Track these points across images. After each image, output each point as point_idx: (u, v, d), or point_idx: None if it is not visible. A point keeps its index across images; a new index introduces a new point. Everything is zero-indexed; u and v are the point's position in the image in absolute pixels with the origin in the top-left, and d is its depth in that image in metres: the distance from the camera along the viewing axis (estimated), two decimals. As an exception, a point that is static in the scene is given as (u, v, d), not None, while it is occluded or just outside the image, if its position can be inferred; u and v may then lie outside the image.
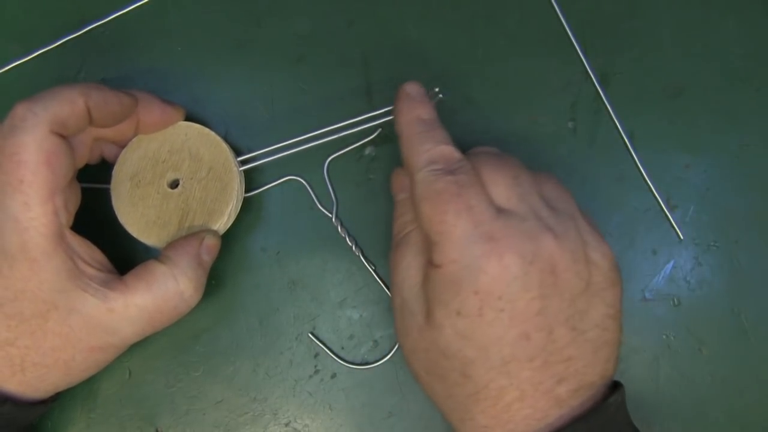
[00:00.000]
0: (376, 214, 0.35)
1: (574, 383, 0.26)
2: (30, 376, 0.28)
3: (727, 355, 0.34)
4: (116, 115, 0.29)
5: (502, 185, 0.26)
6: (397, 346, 0.34)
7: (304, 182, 0.35)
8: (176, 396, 0.34)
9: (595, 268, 0.26)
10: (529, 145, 0.35)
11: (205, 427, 0.33)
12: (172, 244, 0.30)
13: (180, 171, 0.32)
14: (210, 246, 0.31)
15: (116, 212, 0.32)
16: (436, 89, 0.31)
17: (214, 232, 0.31)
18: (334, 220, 0.35)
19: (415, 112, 0.28)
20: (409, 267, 0.28)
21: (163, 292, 0.28)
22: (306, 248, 0.35)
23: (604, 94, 0.36)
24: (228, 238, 0.34)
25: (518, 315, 0.25)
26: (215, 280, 0.35)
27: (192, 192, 0.32)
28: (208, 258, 0.31)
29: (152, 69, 0.35)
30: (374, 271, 0.34)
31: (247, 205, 0.34)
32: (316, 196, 0.35)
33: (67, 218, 0.27)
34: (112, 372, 0.34)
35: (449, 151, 0.27)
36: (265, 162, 0.33)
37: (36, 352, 0.27)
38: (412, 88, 0.29)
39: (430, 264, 0.26)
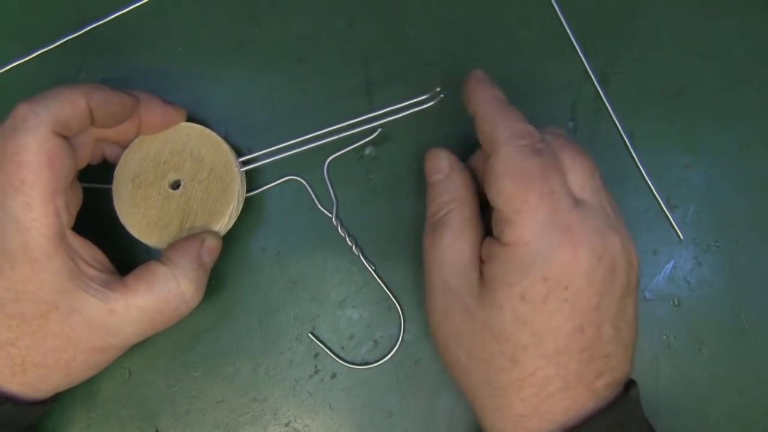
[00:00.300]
0: (376, 214, 0.35)
1: (610, 378, 0.26)
2: (31, 377, 0.28)
3: (727, 355, 0.34)
4: (118, 115, 0.29)
5: (580, 175, 0.26)
6: (397, 346, 0.34)
7: (304, 182, 0.35)
8: (176, 396, 0.34)
9: (633, 270, 0.27)
10: (529, 145, 0.35)
11: (205, 427, 0.33)
12: (173, 246, 0.30)
13: (181, 172, 0.32)
14: (211, 247, 0.31)
15: (118, 213, 0.32)
16: (437, 89, 0.31)
17: (215, 234, 0.31)
18: (334, 220, 0.35)
19: (490, 91, 0.28)
20: (449, 248, 0.28)
21: (165, 293, 0.28)
22: (306, 248, 0.35)
23: (604, 94, 0.36)
24: (228, 238, 0.34)
25: (579, 307, 0.25)
26: (215, 280, 0.35)
27: (193, 193, 0.32)
28: (209, 259, 0.31)
29: (152, 69, 0.35)
30: (374, 271, 0.34)
31: (247, 205, 0.34)
32: (316, 196, 0.35)
33: (68, 219, 0.27)
34: (112, 372, 0.34)
35: (532, 129, 0.27)
36: (266, 163, 0.33)
37: (37, 352, 0.27)
38: (481, 73, 0.29)
39: (495, 242, 0.26)
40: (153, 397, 0.34)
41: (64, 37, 0.37)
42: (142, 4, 0.37)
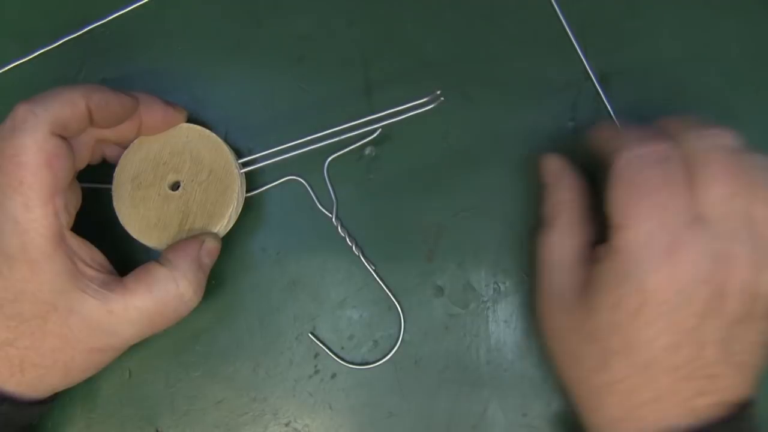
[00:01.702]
0: (376, 214, 0.35)
1: (715, 398, 0.26)
2: (29, 377, 0.27)
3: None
4: (118, 116, 0.29)
5: (715, 195, 0.25)
6: (397, 346, 0.34)
7: (304, 182, 0.35)
8: (176, 396, 0.34)
9: (760, 299, 0.26)
10: (529, 145, 0.35)
11: (205, 427, 0.33)
12: (172, 247, 0.30)
13: (181, 173, 0.32)
14: (210, 249, 0.31)
15: (117, 214, 0.32)
16: (437, 92, 0.31)
17: (215, 235, 0.31)
18: (334, 220, 0.35)
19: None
20: (555, 247, 0.29)
21: (164, 294, 0.28)
22: (306, 248, 0.35)
23: (604, 94, 0.36)
24: (228, 239, 0.34)
25: (674, 325, 0.25)
26: (215, 280, 0.35)
27: (193, 194, 0.32)
28: (208, 261, 0.31)
29: (152, 69, 0.35)
30: (374, 271, 0.34)
31: (247, 205, 0.34)
32: (316, 196, 0.35)
33: (67, 219, 0.27)
34: (112, 372, 0.34)
35: (658, 136, 0.26)
36: (265, 164, 0.33)
37: (35, 353, 0.27)
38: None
39: (603, 244, 0.26)
40: (153, 397, 0.34)
41: (65, 37, 0.37)
42: (142, 4, 0.37)
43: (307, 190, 0.35)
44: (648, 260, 0.25)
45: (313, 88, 0.36)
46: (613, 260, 0.26)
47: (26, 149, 0.25)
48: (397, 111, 0.33)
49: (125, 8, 0.37)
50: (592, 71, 0.36)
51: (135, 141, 0.32)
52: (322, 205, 0.35)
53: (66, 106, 0.26)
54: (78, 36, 0.37)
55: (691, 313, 0.25)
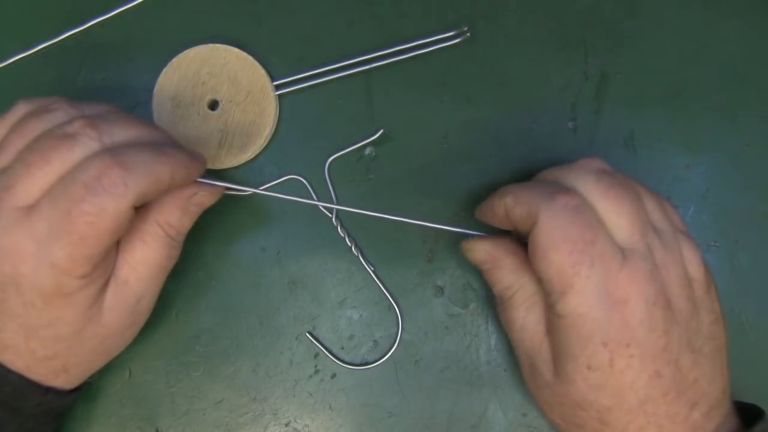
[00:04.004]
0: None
1: (705, 405, 0.26)
2: (73, 373, 0.29)
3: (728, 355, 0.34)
4: (183, 185, 0.29)
5: (626, 220, 0.25)
6: (395, 346, 0.34)
7: (304, 182, 0.35)
8: (176, 396, 0.34)
9: (694, 282, 0.26)
10: (529, 145, 0.35)
11: (205, 427, 0.33)
12: (159, 197, 0.29)
13: (219, 94, 0.34)
14: (200, 201, 0.30)
15: None
16: (465, 28, 0.34)
17: (211, 188, 0.30)
18: (334, 220, 0.35)
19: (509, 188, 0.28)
20: (523, 328, 0.28)
21: (155, 238, 0.28)
22: (306, 248, 0.35)
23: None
24: (228, 238, 0.35)
25: (647, 356, 0.25)
26: (215, 280, 0.35)
27: (231, 115, 0.33)
28: (195, 208, 0.30)
29: (152, 69, 0.35)
30: (373, 271, 0.34)
31: (247, 204, 0.34)
32: (317, 196, 0.35)
33: (103, 258, 0.26)
34: (112, 372, 0.34)
35: (563, 185, 0.26)
36: (300, 87, 0.35)
37: (76, 356, 0.28)
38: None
39: (552, 312, 0.26)
40: (153, 397, 0.34)
41: (64, 33, 0.37)
42: (142, 3, 0.37)
43: (308, 190, 0.35)
44: (601, 316, 0.24)
45: (312, 88, 0.36)
46: (568, 326, 0.25)
47: (103, 216, 0.24)
48: (425, 43, 0.34)
49: (125, 7, 0.37)
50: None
51: (173, 60, 0.34)
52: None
53: (153, 183, 0.25)
54: (78, 35, 0.37)
55: (657, 336, 0.25)
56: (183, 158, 0.27)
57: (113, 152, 0.25)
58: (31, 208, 0.25)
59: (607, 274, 0.24)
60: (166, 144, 0.28)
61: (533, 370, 0.28)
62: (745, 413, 0.28)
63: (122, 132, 0.27)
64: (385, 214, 0.30)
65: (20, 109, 0.28)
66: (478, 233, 0.31)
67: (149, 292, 0.29)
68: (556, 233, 0.25)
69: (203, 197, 0.30)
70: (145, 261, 0.28)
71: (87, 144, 0.25)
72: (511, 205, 0.27)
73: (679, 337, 0.25)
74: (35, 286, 0.25)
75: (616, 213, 0.25)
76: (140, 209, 0.28)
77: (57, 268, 0.25)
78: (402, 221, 0.30)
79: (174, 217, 0.29)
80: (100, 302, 0.27)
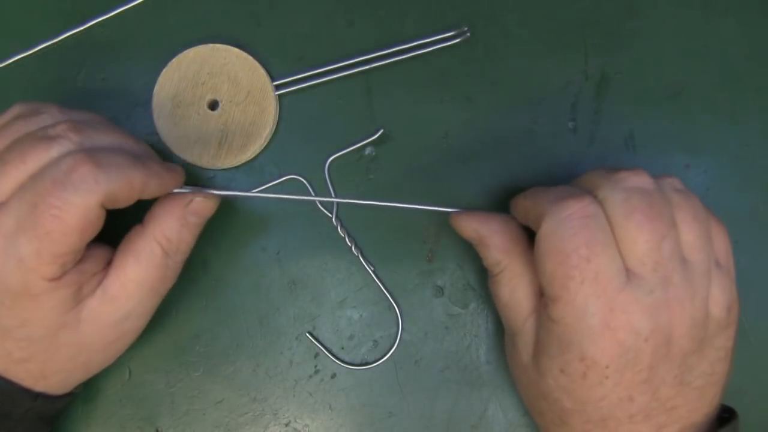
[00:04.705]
0: (376, 214, 0.35)
1: (677, 427, 0.26)
2: (53, 381, 0.28)
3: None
4: (157, 195, 0.28)
5: (642, 248, 0.24)
6: (396, 346, 0.34)
7: (304, 182, 0.35)
8: (176, 396, 0.34)
9: (711, 321, 0.25)
10: (529, 145, 0.35)
11: (205, 427, 0.33)
12: (156, 204, 0.29)
13: (219, 93, 0.34)
14: (198, 209, 0.29)
15: (158, 130, 0.33)
16: (465, 28, 0.34)
17: (208, 194, 0.30)
18: (334, 220, 0.35)
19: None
20: (508, 306, 0.28)
21: (150, 257, 0.28)
22: (306, 248, 0.35)
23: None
24: (228, 238, 0.35)
25: (623, 383, 0.25)
26: (215, 280, 0.35)
27: (231, 115, 0.34)
28: (195, 219, 0.29)
29: (152, 69, 0.35)
30: (373, 271, 0.34)
31: (247, 204, 0.34)
32: (317, 196, 0.35)
33: (74, 262, 0.26)
34: (112, 372, 0.34)
35: (579, 193, 0.25)
36: (300, 87, 0.35)
37: (53, 363, 0.27)
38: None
39: (544, 309, 0.26)
40: (153, 397, 0.34)
41: (64, 33, 0.37)
42: (142, 3, 0.37)
43: (308, 190, 0.35)
44: (585, 331, 0.24)
45: (312, 88, 0.36)
46: (552, 329, 0.25)
47: (71, 210, 0.24)
48: (425, 43, 0.35)
49: (125, 6, 0.37)
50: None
51: (173, 60, 0.34)
52: (322, 206, 0.35)
53: (125, 185, 0.25)
54: (78, 35, 0.37)
55: (639, 369, 0.24)
56: (159, 169, 0.27)
57: (89, 152, 0.25)
58: (1, 205, 0.25)
59: (600, 295, 0.24)
60: (146, 156, 0.28)
61: (513, 347, 0.29)
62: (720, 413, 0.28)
63: (104, 138, 0.27)
64: (382, 201, 0.31)
65: (14, 111, 0.28)
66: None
67: (137, 312, 0.28)
68: (552, 241, 0.24)
69: (200, 204, 0.29)
70: (136, 279, 0.27)
71: (65, 146, 0.25)
72: (529, 206, 0.27)
73: (667, 372, 0.25)
74: (3, 283, 0.25)
75: (632, 238, 0.24)
76: (139, 226, 0.28)
77: (23, 265, 0.24)
78: (399, 207, 0.31)
79: (172, 230, 0.28)
80: (77, 311, 0.27)
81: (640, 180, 0.25)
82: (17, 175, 0.25)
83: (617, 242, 0.24)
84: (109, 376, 0.34)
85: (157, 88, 0.34)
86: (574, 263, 0.24)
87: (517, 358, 0.28)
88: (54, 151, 0.25)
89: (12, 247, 0.24)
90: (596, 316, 0.24)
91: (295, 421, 0.33)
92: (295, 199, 0.33)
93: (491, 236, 0.29)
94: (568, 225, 0.24)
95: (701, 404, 0.26)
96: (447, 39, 0.35)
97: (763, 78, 0.36)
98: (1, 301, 0.25)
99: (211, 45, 0.35)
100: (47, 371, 0.27)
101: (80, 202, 0.24)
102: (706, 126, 0.35)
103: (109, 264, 0.28)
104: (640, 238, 0.24)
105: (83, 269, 0.27)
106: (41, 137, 0.25)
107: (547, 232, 0.25)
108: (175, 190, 0.29)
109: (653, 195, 0.25)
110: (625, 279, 0.24)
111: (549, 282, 0.25)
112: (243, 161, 0.35)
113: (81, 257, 0.26)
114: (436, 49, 0.36)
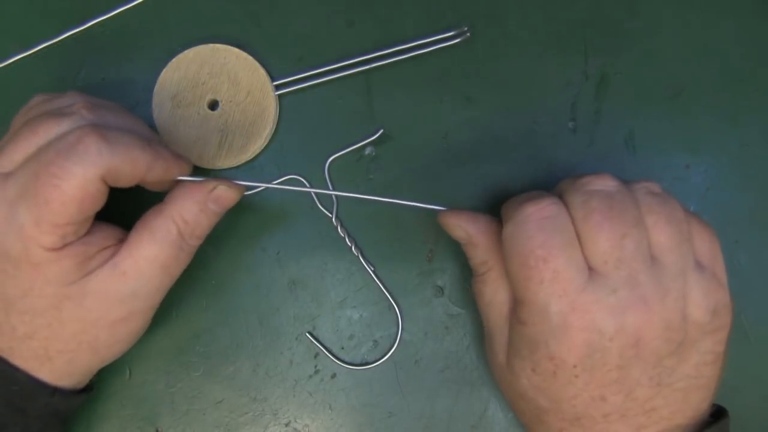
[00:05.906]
0: (376, 214, 0.35)
1: (657, 428, 0.26)
2: (59, 363, 0.28)
3: (728, 355, 0.33)
4: (165, 183, 0.29)
5: (603, 246, 0.24)
6: (395, 346, 0.34)
7: (304, 182, 0.35)
8: (176, 396, 0.34)
9: (691, 325, 0.25)
10: (529, 145, 0.35)
11: (205, 427, 0.33)
12: (178, 186, 0.29)
13: (219, 94, 0.34)
14: (220, 196, 0.29)
15: (159, 131, 0.33)
16: (465, 28, 0.34)
17: (232, 184, 0.29)
18: (334, 220, 0.35)
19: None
20: (490, 304, 0.29)
21: (166, 235, 0.27)
22: (306, 248, 0.35)
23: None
24: (228, 238, 0.35)
25: (594, 382, 0.25)
26: (215, 280, 0.35)
27: (231, 115, 0.34)
28: (215, 207, 0.29)
29: (152, 69, 0.35)
30: (373, 271, 0.34)
31: (247, 204, 0.34)
32: (317, 196, 0.35)
33: (75, 234, 0.26)
34: (112, 372, 0.34)
35: (538, 195, 0.26)
36: (300, 87, 0.35)
37: (57, 340, 0.27)
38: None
39: (514, 312, 0.26)
40: (153, 397, 0.34)
41: (64, 33, 0.37)
42: (142, 3, 0.37)
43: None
44: (550, 331, 0.24)
45: (312, 88, 0.36)
46: (521, 331, 0.26)
47: (72, 179, 0.24)
48: (425, 43, 0.35)
49: (125, 6, 0.37)
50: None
51: (172, 60, 0.34)
52: (322, 205, 0.35)
53: (128, 163, 0.25)
54: (78, 35, 0.37)
55: (608, 369, 0.24)
56: (166, 154, 0.27)
57: (98, 126, 0.25)
58: (9, 174, 0.25)
59: (562, 294, 0.24)
60: (156, 141, 0.28)
61: (491, 349, 0.29)
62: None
63: (117, 120, 0.27)
64: (380, 197, 0.31)
65: (37, 98, 0.29)
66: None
67: (145, 292, 0.28)
68: (512, 244, 0.25)
69: (223, 192, 0.29)
70: (148, 256, 0.27)
71: (76, 121, 0.26)
72: (502, 211, 0.28)
73: (641, 373, 0.25)
74: (5, 249, 0.25)
75: (592, 238, 0.24)
76: (157, 206, 0.28)
77: (23, 232, 0.25)
78: (393, 203, 0.31)
79: (191, 212, 0.28)
80: (82, 284, 0.26)
81: (601, 183, 0.26)
82: (27, 146, 0.26)
83: (581, 244, 0.24)
84: (109, 376, 0.34)
85: (157, 88, 0.34)
86: (531, 264, 0.24)
87: (494, 359, 0.29)
88: (65, 125, 0.26)
89: (13, 214, 0.25)
90: (558, 315, 0.24)
91: (295, 421, 0.33)
92: (307, 192, 0.34)
93: (478, 235, 0.29)
94: (524, 228, 0.25)
95: (685, 406, 0.26)
96: (447, 39, 0.35)
97: (763, 78, 0.36)
98: (4, 269, 0.26)
99: (211, 45, 0.35)
100: (51, 350, 0.27)
101: (81, 173, 0.24)
102: (706, 126, 0.35)
103: (121, 242, 0.28)
104: (600, 238, 0.24)
105: (89, 241, 0.27)
106: (55, 113, 0.26)
107: (506, 236, 0.26)
108: (180, 177, 0.29)
109: (614, 196, 0.25)
110: (587, 278, 0.24)
111: (515, 284, 0.25)
112: (243, 161, 0.35)
113: (88, 231, 0.27)
114: (436, 49, 0.36)
